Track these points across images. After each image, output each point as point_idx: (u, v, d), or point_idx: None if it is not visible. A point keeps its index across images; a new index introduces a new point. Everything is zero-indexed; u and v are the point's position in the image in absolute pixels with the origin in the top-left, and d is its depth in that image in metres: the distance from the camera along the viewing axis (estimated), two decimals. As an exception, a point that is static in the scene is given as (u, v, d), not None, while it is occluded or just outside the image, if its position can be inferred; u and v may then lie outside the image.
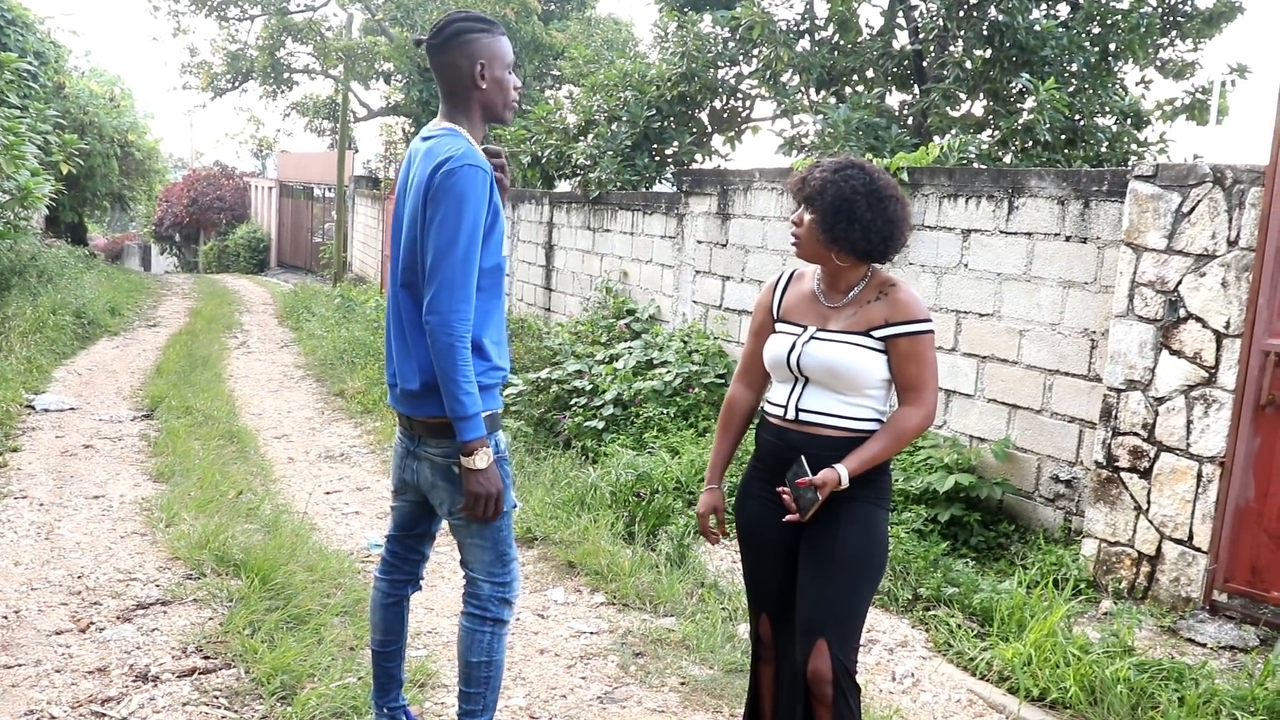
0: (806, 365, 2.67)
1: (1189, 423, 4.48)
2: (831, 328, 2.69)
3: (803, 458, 2.62)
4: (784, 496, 2.62)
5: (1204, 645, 4.25)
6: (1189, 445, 4.48)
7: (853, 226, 2.60)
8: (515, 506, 2.87)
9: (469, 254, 2.58)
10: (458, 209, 2.57)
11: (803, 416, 2.69)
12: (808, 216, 2.65)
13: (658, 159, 10.65)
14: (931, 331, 2.67)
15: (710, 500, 2.91)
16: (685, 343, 7.75)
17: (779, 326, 2.80)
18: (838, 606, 2.62)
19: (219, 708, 3.39)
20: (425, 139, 2.75)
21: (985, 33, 8.79)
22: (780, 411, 2.74)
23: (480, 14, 2.77)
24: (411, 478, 2.87)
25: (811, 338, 2.69)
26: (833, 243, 2.63)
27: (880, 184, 2.62)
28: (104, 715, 3.33)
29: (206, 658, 3.74)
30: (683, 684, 3.80)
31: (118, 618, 4.10)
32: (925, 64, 9.64)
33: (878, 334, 2.65)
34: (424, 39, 2.76)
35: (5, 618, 4.02)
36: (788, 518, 2.62)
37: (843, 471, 2.58)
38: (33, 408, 7.93)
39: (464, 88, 2.72)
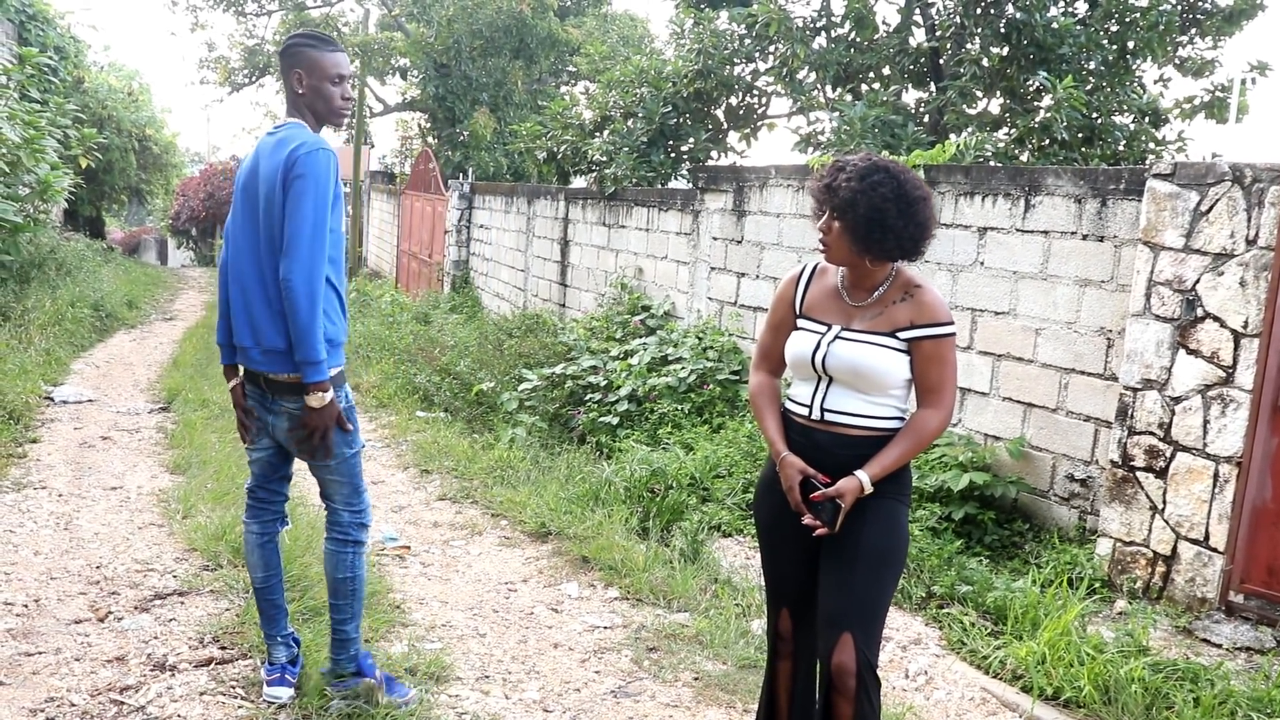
0: (832, 365, 2.66)
1: (1206, 422, 4.46)
2: (856, 327, 2.67)
3: (813, 479, 2.64)
4: (806, 520, 2.63)
5: (1220, 646, 4.24)
6: (1206, 445, 4.46)
7: (886, 236, 2.59)
8: (363, 447, 3.42)
9: (320, 222, 3.05)
10: (314, 185, 3.04)
11: (828, 416, 2.68)
12: (836, 225, 2.61)
13: (673, 155, 10.65)
14: (954, 334, 2.67)
15: (795, 463, 2.69)
16: (700, 339, 7.76)
17: (802, 323, 2.76)
18: (862, 601, 2.63)
19: (235, 697, 3.42)
20: (273, 133, 3.20)
21: (1002, 30, 8.75)
22: (805, 411, 2.72)
23: (319, 32, 3.31)
24: (269, 429, 3.28)
25: (836, 337, 2.67)
26: (866, 251, 2.62)
27: (908, 188, 2.59)
28: (122, 703, 3.36)
29: (223, 648, 3.78)
30: (696, 679, 3.81)
31: (135, 608, 4.14)
32: (942, 61, 9.61)
33: (902, 335, 2.64)
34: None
35: (26, 606, 4.07)
36: (818, 532, 2.62)
37: (864, 478, 2.59)
38: (51, 399, 8.00)
39: (290, 92, 3.21)
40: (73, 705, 3.32)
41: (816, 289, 2.79)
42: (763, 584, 4.72)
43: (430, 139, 22.83)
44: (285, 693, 3.38)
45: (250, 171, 3.21)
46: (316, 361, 3.05)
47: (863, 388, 2.65)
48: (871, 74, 10.16)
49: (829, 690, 2.62)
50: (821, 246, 2.68)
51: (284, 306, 3.06)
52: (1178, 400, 4.56)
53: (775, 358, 2.86)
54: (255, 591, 3.45)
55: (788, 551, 2.81)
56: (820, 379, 2.69)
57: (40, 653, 3.67)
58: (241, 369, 3.32)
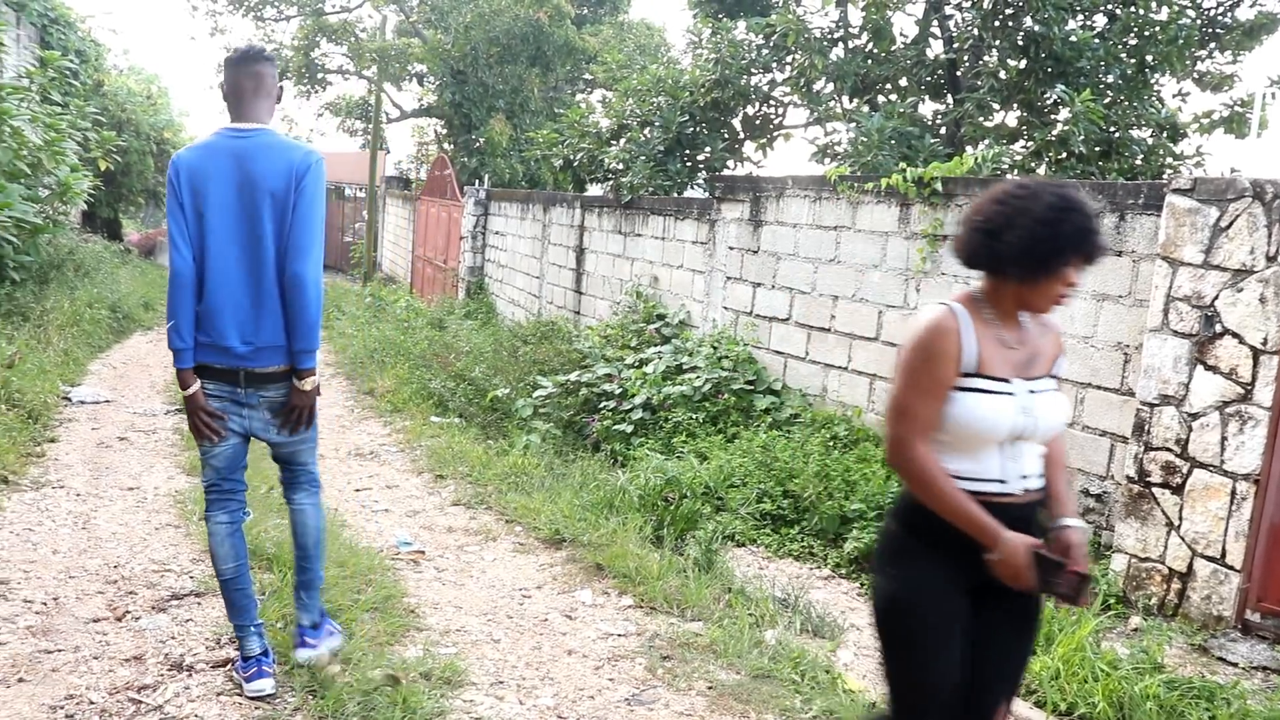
0: (1045, 431, 2.28)
1: (1223, 439, 4.45)
2: (1034, 375, 2.31)
3: (1043, 554, 2.21)
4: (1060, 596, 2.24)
5: (1236, 665, 4.22)
6: (1223, 462, 4.45)
7: None
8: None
9: (323, 224, 3.39)
10: (321, 191, 3.35)
11: (1028, 485, 2.30)
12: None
13: (690, 164, 10.68)
14: None
15: (1024, 540, 2.20)
16: (715, 348, 7.77)
17: (978, 383, 2.24)
18: (1025, 668, 2.48)
19: (251, 699, 3.43)
20: (244, 136, 3.30)
21: (1020, 43, 8.76)
22: (998, 488, 2.27)
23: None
24: (243, 425, 3.46)
25: (1031, 393, 2.28)
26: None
27: None
28: (140, 702, 3.38)
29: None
30: (710, 688, 3.81)
31: (153, 607, 4.16)
32: (959, 73, 9.62)
33: (1054, 371, 2.39)
34: (244, 52, 3.38)
35: (45, 604, 4.10)
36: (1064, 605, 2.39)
37: (1078, 524, 2.30)
38: (69, 399, 8.05)
39: (269, 97, 3.40)
40: (91, 703, 3.35)
41: (983, 337, 2.27)
42: (775, 594, 4.72)
43: (446, 145, 22.92)
44: (269, 684, 3.43)
45: (231, 171, 3.27)
46: (314, 349, 3.38)
47: (1045, 442, 2.35)
48: (889, 85, 10.19)
49: None
50: (1063, 302, 2.28)
51: (290, 302, 3.30)
52: (1195, 416, 4.55)
53: (934, 429, 2.27)
54: (225, 584, 3.50)
55: (957, 651, 2.30)
56: (1004, 447, 2.27)
57: (59, 650, 3.70)
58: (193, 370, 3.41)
